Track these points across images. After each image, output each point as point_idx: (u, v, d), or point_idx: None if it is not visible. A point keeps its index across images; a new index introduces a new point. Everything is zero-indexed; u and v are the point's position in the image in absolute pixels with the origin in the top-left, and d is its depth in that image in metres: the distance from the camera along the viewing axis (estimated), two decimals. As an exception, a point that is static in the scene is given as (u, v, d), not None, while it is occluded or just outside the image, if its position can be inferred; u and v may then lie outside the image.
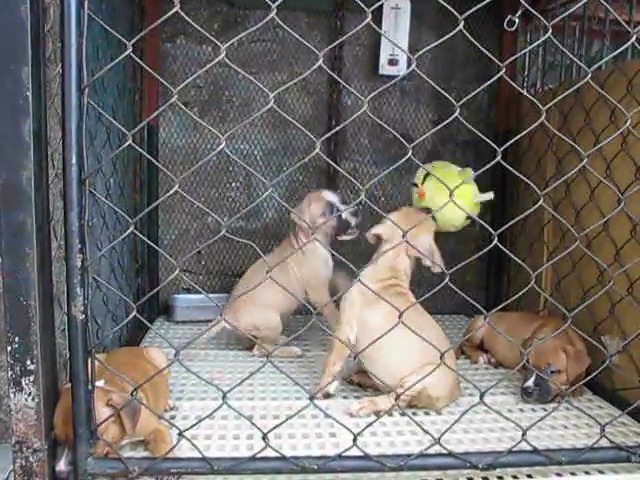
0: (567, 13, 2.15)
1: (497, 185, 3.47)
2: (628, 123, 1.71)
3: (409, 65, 1.50)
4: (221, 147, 1.44)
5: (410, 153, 1.51)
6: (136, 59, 1.50)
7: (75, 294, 1.46)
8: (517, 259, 1.74)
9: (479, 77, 3.49)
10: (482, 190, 2.59)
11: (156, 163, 1.73)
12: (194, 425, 1.65)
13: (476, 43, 1.58)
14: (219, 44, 1.42)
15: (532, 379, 2.26)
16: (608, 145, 1.97)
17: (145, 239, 1.78)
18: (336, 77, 1.77)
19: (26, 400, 1.50)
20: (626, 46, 1.72)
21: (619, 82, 2.29)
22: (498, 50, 3.41)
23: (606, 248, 2.33)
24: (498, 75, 1.57)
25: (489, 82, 1.63)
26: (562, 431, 2.07)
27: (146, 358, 2.11)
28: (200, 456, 1.58)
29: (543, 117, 1.60)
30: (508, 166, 1.68)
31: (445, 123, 1.63)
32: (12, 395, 1.50)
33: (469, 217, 2.48)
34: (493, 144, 1.60)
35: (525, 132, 1.70)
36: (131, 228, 1.48)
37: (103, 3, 2.25)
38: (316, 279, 2.80)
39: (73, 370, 1.50)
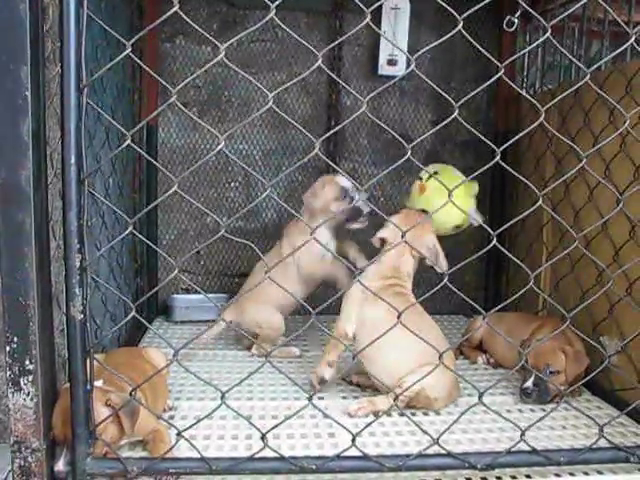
0: (566, 14, 2.15)
1: (496, 185, 3.50)
2: (627, 123, 1.71)
3: (408, 65, 1.51)
4: (220, 147, 1.44)
5: (409, 153, 1.51)
6: (135, 59, 1.49)
7: (74, 294, 1.46)
8: (516, 259, 1.74)
9: (478, 77, 3.49)
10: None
11: (155, 163, 1.73)
12: (193, 425, 1.65)
13: (475, 43, 1.58)
14: (218, 44, 1.42)
15: (531, 380, 2.26)
16: (607, 146, 1.97)
17: (144, 239, 1.78)
18: (335, 77, 1.76)
19: (25, 400, 1.50)
20: (625, 47, 1.72)
21: (618, 83, 2.29)
22: (497, 50, 3.41)
23: (605, 248, 2.33)
24: (497, 75, 1.58)
25: (488, 82, 1.63)
26: (561, 431, 2.07)
27: (145, 358, 2.11)
28: (199, 456, 1.58)
29: (542, 117, 1.61)
30: (507, 166, 1.68)
31: (444, 123, 1.63)
32: (11, 395, 1.50)
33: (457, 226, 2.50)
34: (492, 144, 1.60)
35: (524, 132, 1.70)
36: (130, 228, 1.48)
37: (102, 3, 2.25)
38: (311, 256, 2.71)
39: (72, 370, 1.50)
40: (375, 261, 2.21)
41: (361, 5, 1.47)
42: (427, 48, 1.58)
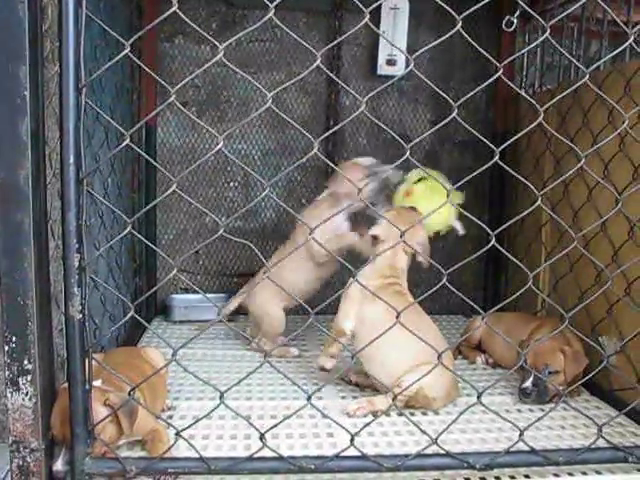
0: (565, 14, 2.15)
1: (495, 185, 3.50)
2: (626, 124, 1.71)
3: (407, 65, 1.50)
4: (219, 147, 1.44)
5: (408, 153, 1.51)
6: (134, 59, 1.49)
7: (72, 294, 1.46)
8: (515, 259, 1.74)
9: (477, 77, 3.49)
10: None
11: (154, 163, 1.73)
12: (191, 425, 1.65)
13: (474, 43, 1.58)
14: (217, 44, 1.42)
15: (530, 380, 2.26)
16: (606, 146, 1.96)
17: (143, 239, 1.78)
18: (334, 77, 1.76)
19: (23, 400, 1.50)
20: (624, 47, 1.72)
21: (617, 83, 2.29)
22: (496, 50, 3.40)
23: (604, 248, 2.33)
24: (496, 75, 1.58)
25: (487, 82, 1.63)
26: (559, 431, 2.07)
27: (144, 358, 2.11)
28: (197, 456, 1.58)
29: (541, 117, 1.61)
30: (506, 166, 1.68)
31: (443, 123, 1.63)
32: (9, 395, 1.50)
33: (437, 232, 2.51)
34: (491, 144, 1.60)
35: (523, 132, 1.70)
36: (128, 228, 1.48)
37: (101, 3, 2.25)
38: (323, 237, 2.54)
39: (70, 370, 1.50)
40: (370, 262, 2.22)
41: (360, 5, 1.47)
42: (426, 48, 1.58)
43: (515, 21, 1.73)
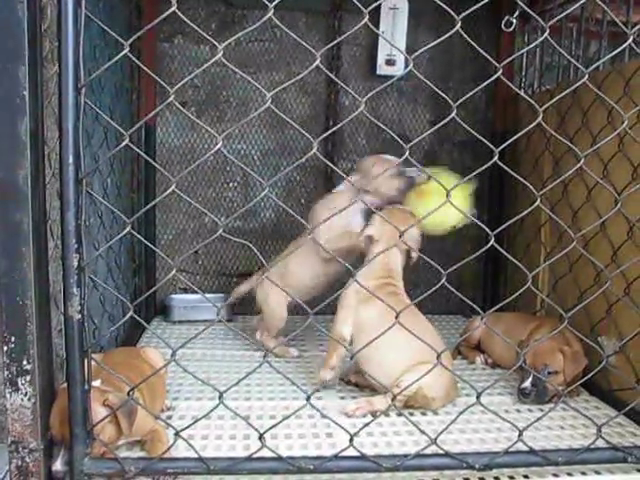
0: (565, 14, 2.15)
1: (494, 185, 3.50)
2: (625, 124, 1.71)
3: (407, 65, 1.50)
4: (218, 147, 1.44)
5: (407, 153, 1.51)
6: (133, 59, 1.49)
7: (71, 294, 1.46)
8: (514, 259, 1.74)
9: (477, 77, 3.49)
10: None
11: (153, 163, 1.73)
12: (190, 425, 1.65)
13: (473, 44, 1.58)
14: (216, 44, 1.42)
15: (529, 380, 2.26)
16: (605, 146, 1.96)
17: (142, 239, 1.78)
18: (333, 77, 1.76)
19: (22, 400, 1.50)
20: (623, 47, 1.72)
21: (616, 83, 2.30)
22: (496, 51, 3.40)
23: (603, 249, 2.33)
24: (495, 76, 1.58)
25: (486, 82, 1.63)
26: (559, 432, 2.07)
27: (143, 358, 2.10)
28: (196, 456, 1.58)
29: (540, 118, 1.61)
30: (505, 167, 1.68)
31: (442, 123, 1.63)
32: (8, 395, 1.50)
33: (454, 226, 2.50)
34: (490, 144, 1.60)
35: (522, 132, 1.70)
36: (128, 228, 1.48)
37: (100, 2, 2.25)
38: (333, 232, 2.58)
39: (69, 370, 1.50)
40: (366, 263, 2.22)
41: (359, 5, 1.47)
42: (425, 48, 1.58)
43: (514, 21, 1.73)
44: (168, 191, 1.49)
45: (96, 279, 1.64)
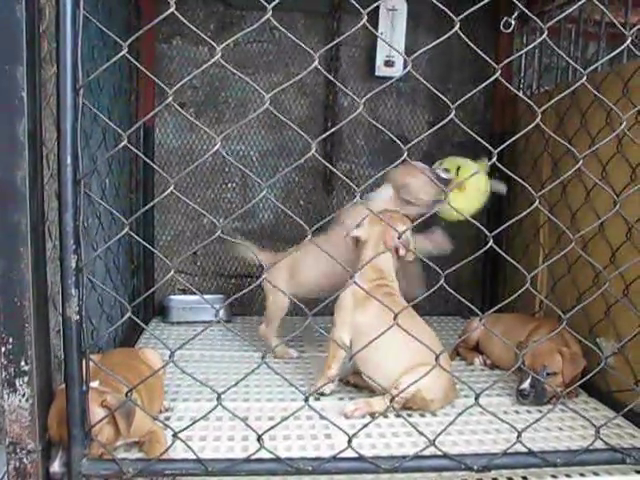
0: (563, 15, 2.15)
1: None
2: (624, 125, 1.71)
3: (405, 66, 1.50)
4: (216, 148, 1.44)
5: (405, 154, 1.51)
6: (132, 60, 1.49)
7: (70, 295, 1.45)
8: (512, 261, 1.74)
9: (475, 79, 3.48)
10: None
11: (152, 164, 1.73)
12: (189, 426, 1.65)
13: (472, 45, 1.58)
14: (215, 45, 1.42)
15: (528, 381, 2.26)
16: (604, 147, 1.97)
17: (140, 240, 1.78)
18: (332, 78, 1.76)
19: (20, 401, 1.49)
20: (622, 48, 1.72)
21: (615, 84, 2.30)
22: (494, 52, 3.41)
23: (602, 250, 2.33)
24: (494, 77, 1.57)
25: (484, 84, 1.63)
26: (557, 433, 2.07)
27: (141, 359, 2.10)
28: (194, 457, 1.57)
29: (539, 119, 1.61)
30: (504, 168, 1.68)
31: (441, 124, 1.63)
32: (6, 396, 1.49)
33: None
34: (489, 146, 1.60)
35: (521, 134, 1.70)
36: (126, 229, 1.47)
37: (99, 3, 2.24)
38: None
39: (68, 371, 1.50)
40: (359, 267, 2.22)
41: (358, 6, 1.47)
42: (424, 49, 1.58)
43: (513, 23, 1.73)
44: (167, 192, 1.49)
45: (94, 280, 1.64)
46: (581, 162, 1.67)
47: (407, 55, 1.52)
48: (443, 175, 2.63)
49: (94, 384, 1.63)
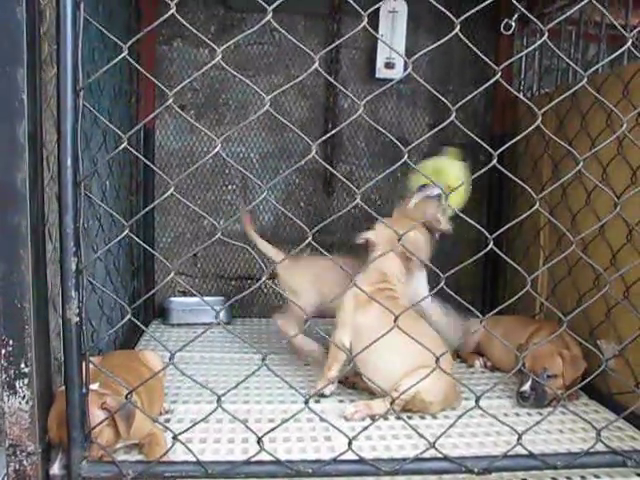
0: (563, 17, 2.14)
1: (494, 188, 3.50)
2: (624, 127, 1.70)
3: (406, 68, 1.50)
4: (216, 150, 1.43)
5: (406, 156, 1.51)
6: (132, 62, 1.49)
7: (70, 297, 1.45)
8: (513, 263, 1.73)
9: (476, 80, 3.49)
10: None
11: (152, 166, 1.73)
12: (189, 429, 1.64)
13: (472, 47, 1.58)
14: (215, 47, 1.42)
15: (528, 383, 2.26)
16: (604, 149, 1.96)
17: (141, 242, 1.78)
18: (332, 80, 1.76)
19: (20, 403, 1.49)
20: (622, 50, 1.72)
21: (615, 86, 2.29)
22: (494, 54, 3.41)
23: (602, 252, 2.33)
24: (494, 79, 1.57)
25: (485, 86, 1.63)
26: (558, 435, 2.06)
27: (141, 361, 2.10)
28: (194, 460, 1.57)
29: (539, 121, 1.61)
30: (504, 170, 1.68)
31: (441, 126, 1.63)
32: (6, 398, 1.49)
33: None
34: (489, 148, 1.60)
35: (521, 136, 1.69)
36: (126, 231, 1.47)
37: (99, 5, 2.25)
38: None
39: (67, 373, 1.49)
40: (364, 268, 2.22)
41: (358, 8, 1.47)
42: (424, 51, 1.58)
43: (513, 24, 1.73)
44: (167, 194, 1.49)
45: (94, 282, 1.64)
46: (581, 164, 1.67)
47: (407, 57, 1.52)
48: (434, 193, 2.61)
49: (94, 386, 1.63)
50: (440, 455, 1.65)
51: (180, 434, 1.58)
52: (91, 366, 1.54)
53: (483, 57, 1.60)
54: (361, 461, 1.62)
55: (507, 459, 1.68)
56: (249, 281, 3.58)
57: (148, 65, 3.15)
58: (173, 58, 3.38)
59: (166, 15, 1.41)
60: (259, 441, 1.58)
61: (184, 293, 3.54)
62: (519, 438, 1.69)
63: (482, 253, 1.70)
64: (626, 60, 2.66)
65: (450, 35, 1.50)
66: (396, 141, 1.61)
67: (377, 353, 2.03)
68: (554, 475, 1.76)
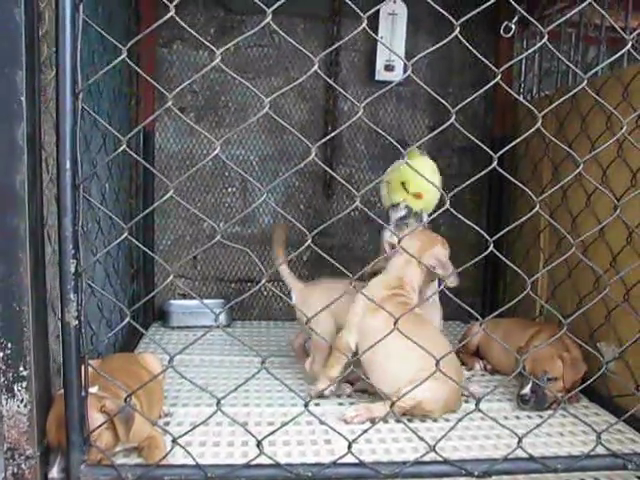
0: (563, 19, 2.15)
1: (494, 191, 3.50)
2: (624, 129, 1.70)
3: (405, 71, 1.50)
4: (216, 152, 1.43)
5: (406, 159, 1.51)
6: (131, 64, 1.49)
7: (69, 300, 1.45)
8: (513, 265, 1.73)
9: (476, 83, 3.49)
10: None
11: (151, 169, 1.73)
12: (188, 432, 1.64)
13: (472, 49, 1.58)
14: (214, 49, 1.42)
15: (528, 386, 2.25)
16: (604, 151, 1.96)
17: (140, 245, 1.77)
18: (332, 83, 1.76)
19: (18, 407, 1.49)
20: (622, 52, 1.72)
21: (615, 88, 2.30)
22: (494, 56, 3.41)
23: (602, 254, 2.32)
24: (494, 81, 1.57)
25: (485, 88, 1.63)
26: (558, 438, 2.06)
27: (141, 364, 2.10)
28: (194, 463, 1.56)
29: (539, 123, 1.60)
30: (504, 172, 1.67)
31: (441, 129, 1.63)
32: (4, 401, 1.49)
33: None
34: (489, 150, 1.59)
35: (521, 138, 1.69)
36: (125, 233, 1.47)
37: (99, 7, 2.25)
38: None
39: (66, 376, 1.49)
40: (384, 271, 2.23)
41: (358, 11, 1.46)
42: (424, 53, 1.58)
43: (513, 27, 1.73)
44: (166, 196, 1.48)
45: (94, 285, 1.63)
46: (581, 166, 1.67)
47: (407, 59, 1.52)
48: (402, 214, 2.62)
49: (93, 389, 1.62)
50: (440, 458, 1.64)
51: (179, 437, 1.57)
52: (90, 369, 1.53)
53: (483, 59, 1.60)
54: (361, 464, 1.61)
55: (507, 462, 1.68)
56: (249, 284, 3.58)
57: (148, 67, 3.16)
58: (173, 60, 3.38)
59: (166, 17, 1.41)
60: (259, 444, 1.58)
61: (184, 296, 3.53)
62: (519, 441, 1.68)
63: (482, 256, 1.69)
64: (626, 62, 2.66)
65: (450, 37, 1.50)
66: (396, 143, 1.60)
67: (382, 357, 2.03)
68: (554, 478, 1.76)
